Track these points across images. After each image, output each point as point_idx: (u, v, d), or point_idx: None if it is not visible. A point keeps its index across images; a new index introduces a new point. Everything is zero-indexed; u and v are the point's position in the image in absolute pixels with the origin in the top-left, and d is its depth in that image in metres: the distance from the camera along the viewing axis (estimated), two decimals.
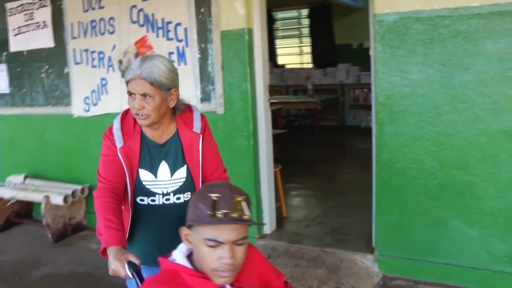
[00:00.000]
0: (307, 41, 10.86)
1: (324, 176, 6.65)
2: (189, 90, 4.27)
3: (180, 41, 4.37)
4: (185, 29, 4.32)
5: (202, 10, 4.22)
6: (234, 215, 1.52)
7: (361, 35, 9.45)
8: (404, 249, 3.76)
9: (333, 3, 9.45)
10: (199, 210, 1.55)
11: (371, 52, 3.79)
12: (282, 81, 10.66)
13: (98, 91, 5.00)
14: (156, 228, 2.24)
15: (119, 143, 2.11)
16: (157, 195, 2.19)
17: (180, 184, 2.21)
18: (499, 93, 3.30)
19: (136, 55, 4.62)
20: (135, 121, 2.14)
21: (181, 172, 2.20)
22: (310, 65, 10.83)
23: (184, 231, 1.65)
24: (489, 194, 3.43)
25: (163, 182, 2.18)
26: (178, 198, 2.22)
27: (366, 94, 9.67)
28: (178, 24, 4.35)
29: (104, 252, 1.92)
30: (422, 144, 3.56)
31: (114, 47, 4.80)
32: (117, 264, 1.82)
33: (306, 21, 10.66)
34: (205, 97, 4.35)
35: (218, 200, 1.54)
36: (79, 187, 5.19)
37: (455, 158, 3.48)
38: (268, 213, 4.50)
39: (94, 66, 4.99)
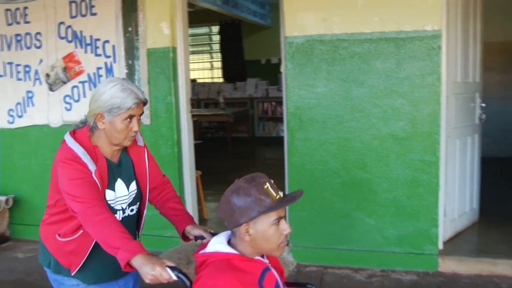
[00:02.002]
0: (217, 56, 11.29)
1: None
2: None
3: (108, 57, 4.69)
4: (113, 46, 4.64)
5: (130, 29, 4.58)
6: (281, 193, 1.83)
7: (269, 52, 10.10)
8: (314, 240, 4.32)
9: (242, 21, 9.93)
10: (261, 201, 1.76)
11: (282, 69, 4.35)
12: (194, 95, 11.04)
13: (24, 103, 5.13)
14: None
15: (92, 166, 2.09)
16: (118, 212, 2.24)
17: (133, 196, 2.31)
18: (387, 104, 3.99)
19: (64, 69, 4.85)
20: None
21: (133, 185, 2.30)
22: (221, 80, 11.27)
23: (243, 228, 1.78)
24: (382, 188, 4.10)
25: (121, 198, 2.25)
26: (132, 210, 2.33)
27: (274, 107, 10.28)
28: (106, 41, 4.66)
29: (127, 265, 1.86)
30: (327, 148, 4.16)
31: (41, 61, 4.98)
32: (159, 269, 1.80)
33: (216, 38, 11.09)
34: None
35: (270, 188, 1.80)
36: (3, 198, 5.23)
37: (355, 159, 4.12)
38: (191, 214, 4.88)
39: (19, 79, 5.11)
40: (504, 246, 4.25)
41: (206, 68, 11.69)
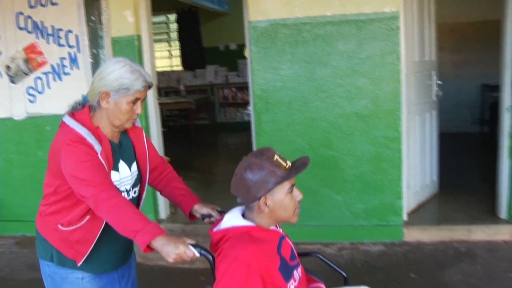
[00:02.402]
0: (176, 45, 11.24)
1: (203, 169, 7.24)
2: (81, 94, 4.55)
3: (72, 47, 4.66)
4: (76, 36, 4.62)
5: (93, 18, 4.57)
6: (289, 162, 1.91)
7: (228, 38, 10.13)
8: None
9: (199, 8, 9.92)
10: (275, 173, 1.83)
11: (247, 53, 4.44)
12: None
13: None
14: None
15: (97, 147, 2.04)
16: (123, 193, 2.19)
17: (135, 177, 2.27)
18: (350, 84, 4.16)
19: (26, 61, 4.79)
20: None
21: (134, 166, 2.27)
22: (180, 68, 11.25)
23: (261, 202, 1.85)
24: (348, 165, 4.27)
25: (125, 179, 2.21)
26: (135, 192, 2.29)
27: (234, 93, 10.35)
28: (69, 31, 4.63)
29: (147, 247, 1.84)
30: (293, 128, 4.30)
31: (0, 53, 4.90)
32: (183, 248, 1.82)
33: (174, 26, 11.03)
34: None
35: (279, 159, 1.88)
36: None
37: (321, 138, 4.27)
38: (162, 200, 4.97)
39: None
40: (461, 214, 4.54)
41: (165, 57, 11.62)
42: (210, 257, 1.92)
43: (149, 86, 2.11)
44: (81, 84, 4.62)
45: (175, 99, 9.84)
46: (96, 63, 4.63)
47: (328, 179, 4.30)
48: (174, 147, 8.94)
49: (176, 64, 11.46)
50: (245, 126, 6.74)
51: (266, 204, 1.86)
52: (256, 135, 4.40)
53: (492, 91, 7.25)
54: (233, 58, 10.23)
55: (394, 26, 4.07)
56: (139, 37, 4.59)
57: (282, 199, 1.88)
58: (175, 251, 1.81)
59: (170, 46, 11.53)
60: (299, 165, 1.91)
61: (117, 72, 2.03)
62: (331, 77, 4.18)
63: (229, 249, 1.82)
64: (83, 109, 2.15)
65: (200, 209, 2.34)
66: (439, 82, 4.93)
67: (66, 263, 2.17)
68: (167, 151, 5.23)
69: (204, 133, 10.23)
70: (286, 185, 1.87)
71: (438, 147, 5.13)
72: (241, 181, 1.88)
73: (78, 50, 4.66)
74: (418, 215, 4.59)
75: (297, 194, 1.92)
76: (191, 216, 2.37)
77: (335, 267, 2.29)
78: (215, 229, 1.98)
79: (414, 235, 4.31)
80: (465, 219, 4.44)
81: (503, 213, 4.39)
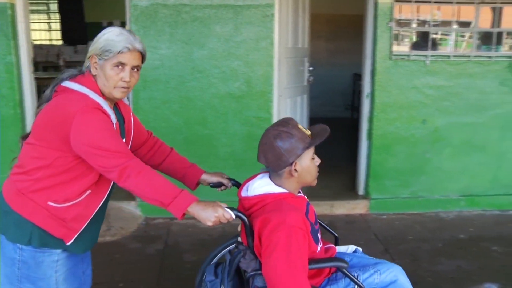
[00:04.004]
0: (56, 17, 10.80)
1: None
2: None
3: None
4: None
5: None
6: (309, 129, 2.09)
7: (111, 14, 9.89)
8: None
9: None
10: (303, 139, 1.99)
11: None
12: None
13: None
14: (105, 206, 2.17)
15: (113, 118, 1.96)
16: None
17: None
18: (226, 65, 4.36)
19: None
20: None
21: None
22: (60, 42, 10.83)
23: (292, 169, 2.00)
24: (222, 143, 4.48)
25: None
26: None
27: None
28: None
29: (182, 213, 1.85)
30: (170, 106, 4.41)
31: None
32: (221, 211, 1.85)
33: None
34: None
35: (302, 127, 2.05)
36: None
37: (197, 117, 4.43)
38: None
39: None
40: (326, 191, 4.93)
41: (44, 29, 11.11)
42: (246, 219, 1.96)
43: (142, 54, 2.02)
44: None
45: (54, 75, 9.41)
46: None
47: (202, 156, 4.45)
48: None
49: (56, 37, 11.00)
50: None
51: (295, 169, 2.00)
52: (133, 112, 4.44)
53: (360, 79, 7.83)
54: None
55: (269, 13, 4.32)
56: (12, 5, 4.39)
57: (308, 164, 2.04)
58: (215, 213, 1.84)
59: (49, 18, 11.04)
60: (320, 132, 2.07)
61: (105, 36, 1.96)
62: (208, 59, 4.34)
63: (273, 215, 1.91)
64: (86, 76, 2.00)
65: (210, 178, 2.39)
66: (311, 68, 5.28)
67: (49, 243, 1.99)
68: None
69: None
70: (311, 151, 2.05)
71: None
72: (272, 149, 1.98)
73: None
74: None
75: (317, 159, 2.10)
76: (196, 185, 2.38)
77: (327, 227, 2.47)
78: (245, 194, 2.09)
79: None
80: (329, 196, 4.86)
81: (360, 189, 4.87)
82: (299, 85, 5.16)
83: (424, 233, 4.35)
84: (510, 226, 4.56)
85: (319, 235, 2.15)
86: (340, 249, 2.43)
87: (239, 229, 2.14)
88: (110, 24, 10.22)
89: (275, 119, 4.52)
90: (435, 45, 4.69)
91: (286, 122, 2.04)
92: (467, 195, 4.87)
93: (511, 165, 4.89)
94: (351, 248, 2.48)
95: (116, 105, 2.10)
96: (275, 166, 2.02)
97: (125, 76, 1.96)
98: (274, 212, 1.92)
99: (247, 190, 2.11)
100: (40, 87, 10.34)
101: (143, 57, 2.04)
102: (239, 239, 2.14)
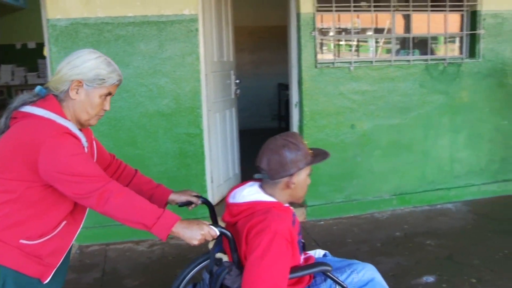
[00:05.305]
0: None
1: None
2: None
3: None
4: None
5: None
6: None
7: (25, 36, 9.47)
8: (94, 219, 4.38)
9: None
10: (307, 155, 2.06)
11: (46, 53, 4.29)
12: None
13: None
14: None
15: (84, 141, 1.90)
16: None
17: None
18: (152, 83, 4.28)
19: None
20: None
21: None
22: None
23: (290, 180, 2.03)
24: (154, 162, 4.39)
25: None
26: None
27: None
28: None
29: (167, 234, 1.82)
30: (97, 128, 4.01)
31: None
32: (207, 228, 1.85)
33: None
34: None
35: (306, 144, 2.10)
36: None
37: (126, 137, 4.31)
38: None
39: None
40: None
41: None
42: (230, 235, 1.94)
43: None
44: None
45: None
46: None
47: None
48: None
49: None
50: None
51: (293, 182, 2.04)
52: None
53: (286, 89, 7.94)
54: (33, 58, 9.61)
55: (193, 28, 4.29)
56: None
57: (304, 180, 2.09)
58: (201, 231, 1.83)
59: None
60: (321, 153, 2.14)
61: (93, 61, 1.91)
62: (134, 77, 4.24)
63: (264, 223, 1.91)
64: (49, 100, 1.89)
65: (179, 198, 2.35)
66: (238, 81, 5.29)
67: (25, 285, 1.84)
68: None
69: None
70: (309, 168, 2.10)
71: (239, 142, 5.50)
72: (277, 156, 2.03)
73: None
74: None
75: (309, 179, 2.14)
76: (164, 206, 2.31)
77: None
78: (233, 201, 2.09)
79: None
80: None
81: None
82: (227, 98, 5.15)
83: (362, 234, 4.45)
84: (440, 220, 4.76)
85: (302, 245, 2.22)
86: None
87: (210, 246, 2.14)
88: (24, 46, 9.83)
89: (205, 135, 4.49)
90: (357, 51, 4.84)
91: (294, 136, 2.11)
92: (398, 194, 5.04)
93: (436, 162, 5.12)
94: (319, 252, 2.53)
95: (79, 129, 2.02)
96: (275, 173, 2.04)
97: (107, 105, 1.96)
98: (261, 218, 1.94)
99: (234, 197, 2.12)
100: None
101: None
102: (218, 255, 2.12)
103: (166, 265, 3.96)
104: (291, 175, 2.04)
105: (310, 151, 2.12)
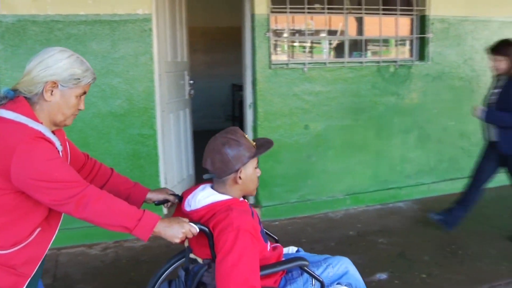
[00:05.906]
0: None
1: None
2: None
3: None
4: None
5: None
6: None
7: None
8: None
9: None
10: (249, 148, 2.08)
11: None
12: None
13: None
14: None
15: (58, 145, 1.84)
16: None
17: None
18: (105, 83, 4.19)
19: None
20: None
21: None
22: None
23: (237, 176, 2.05)
24: (106, 164, 3.96)
25: None
26: None
27: None
28: None
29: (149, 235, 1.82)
30: None
31: None
32: (187, 226, 1.87)
33: None
34: None
35: (248, 137, 2.12)
36: None
37: (78, 138, 4.13)
38: None
39: None
40: None
41: None
42: (208, 231, 1.96)
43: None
44: None
45: None
46: None
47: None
48: None
49: None
50: None
51: (240, 176, 2.06)
52: None
53: (239, 90, 7.96)
54: None
55: (147, 28, 4.23)
56: None
57: (252, 173, 2.12)
58: (182, 229, 1.85)
59: None
60: (264, 143, 2.18)
61: (66, 61, 1.83)
62: None
63: (226, 221, 1.92)
64: (19, 102, 1.79)
65: (156, 196, 2.34)
66: (191, 81, 5.26)
67: None
68: None
69: None
70: (255, 161, 2.13)
71: (193, 143, 5.46)
72: (219, 155, 2.04)
73: None
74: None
75: (258, 170, 2.18)
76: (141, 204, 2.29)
77: (267, 231, 2.43)
78: (191, 208, 2.08)
79: None
80: None
81: (251, 198, 4.89)
82: (181, 99, 5.11)
83: (316, 234, 4.50)
84: (391, 218, 4.87)
85: (265, 235, 2.25)
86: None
87: (186, 244, 2.14)
88: None
89: (159, 135, 4.45)
90: (311, 53, 4.90)
91: (234, 131, 2.12)
92: (351, 194, 5.13)
93: (387, 162, 5.24)
94: (292, 249, 2.61)
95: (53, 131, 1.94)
96: (221, 172, 2.07)
97: (82, 105, 1.93)
98: (222, 216, 1.96)
99: (190, 205, 2.12)
100: None
101: None
102: (192, 255, 2.13)
103: (119, 268, 3.89)
104: (237, 170, 2.07)
105: (253, 143, 2.15)
